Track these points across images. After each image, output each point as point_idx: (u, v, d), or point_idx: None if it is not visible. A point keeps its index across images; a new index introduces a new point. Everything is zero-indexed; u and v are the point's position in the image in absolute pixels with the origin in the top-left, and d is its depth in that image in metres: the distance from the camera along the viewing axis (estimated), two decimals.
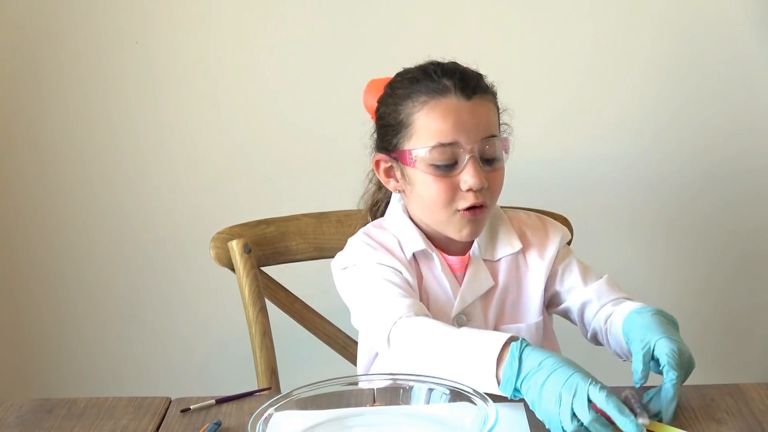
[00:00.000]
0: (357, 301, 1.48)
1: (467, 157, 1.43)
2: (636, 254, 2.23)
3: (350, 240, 1.55)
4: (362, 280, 1.48)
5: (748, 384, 1.38)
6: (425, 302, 1.50)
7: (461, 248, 1.53)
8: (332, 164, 2.17)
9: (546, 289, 1.56)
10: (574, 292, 1.55)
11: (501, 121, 1.53)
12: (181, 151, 2.18)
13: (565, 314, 1.59)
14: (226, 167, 2.19)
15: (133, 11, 2.11)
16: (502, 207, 1.60)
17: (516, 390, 1.23)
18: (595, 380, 1.18)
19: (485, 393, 1.20)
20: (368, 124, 1.57)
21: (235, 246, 1.67)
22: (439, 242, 1.53)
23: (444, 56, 1.52)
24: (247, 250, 1.67)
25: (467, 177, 1.43)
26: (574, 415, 1.17)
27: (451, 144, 1.43)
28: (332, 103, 2.15)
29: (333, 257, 1.56)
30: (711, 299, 2.27)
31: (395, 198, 1.58)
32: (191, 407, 1.35)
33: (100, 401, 1.38)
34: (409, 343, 1.35)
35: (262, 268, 1.71)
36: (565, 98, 2.15)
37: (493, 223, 1.56)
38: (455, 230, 1.48)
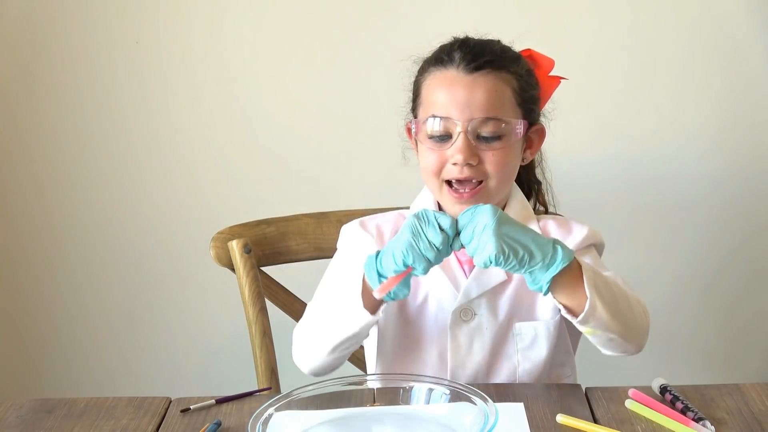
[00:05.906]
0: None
1: (458, 132, 1.41)
2: (639, 255, 2.23)
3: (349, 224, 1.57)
4: (333, 266, 1.52)
5: (748, 384, 1.38)
6: (423, 297, 1.48)
7: None
8: (332, 164, 2.16)
9: None
10: None
11: (532, 106, 1.50)
12: (181, 151, 2.18)
13: None
14: (226, 167, 2.19)
15: (133, 11, 2.11)
16: (536, 213, 1.58)
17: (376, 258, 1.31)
18: None
19: (483, 392, 1.20)
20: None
21: (235, 246, 1.66)
22: None
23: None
24: (247, 250, 1.67)
25: (453, 150, 1.42)
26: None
27: (443, 118, 1.42)
28: (333, 103, 2.14)
29: (333, 257, 1.56)
30: (712, 300, 2.27)
31: None
32: (191, 407, 1.35)
33: (100, 401, 1.38)
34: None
35: (262, 268, 1.71)
36: (565, 98, 2.14)
37: (520, 220, 1.53)
38: (447, 205, 1.46)
